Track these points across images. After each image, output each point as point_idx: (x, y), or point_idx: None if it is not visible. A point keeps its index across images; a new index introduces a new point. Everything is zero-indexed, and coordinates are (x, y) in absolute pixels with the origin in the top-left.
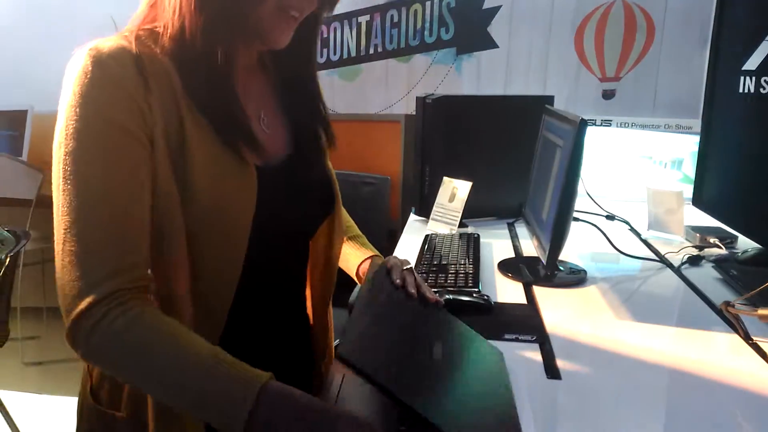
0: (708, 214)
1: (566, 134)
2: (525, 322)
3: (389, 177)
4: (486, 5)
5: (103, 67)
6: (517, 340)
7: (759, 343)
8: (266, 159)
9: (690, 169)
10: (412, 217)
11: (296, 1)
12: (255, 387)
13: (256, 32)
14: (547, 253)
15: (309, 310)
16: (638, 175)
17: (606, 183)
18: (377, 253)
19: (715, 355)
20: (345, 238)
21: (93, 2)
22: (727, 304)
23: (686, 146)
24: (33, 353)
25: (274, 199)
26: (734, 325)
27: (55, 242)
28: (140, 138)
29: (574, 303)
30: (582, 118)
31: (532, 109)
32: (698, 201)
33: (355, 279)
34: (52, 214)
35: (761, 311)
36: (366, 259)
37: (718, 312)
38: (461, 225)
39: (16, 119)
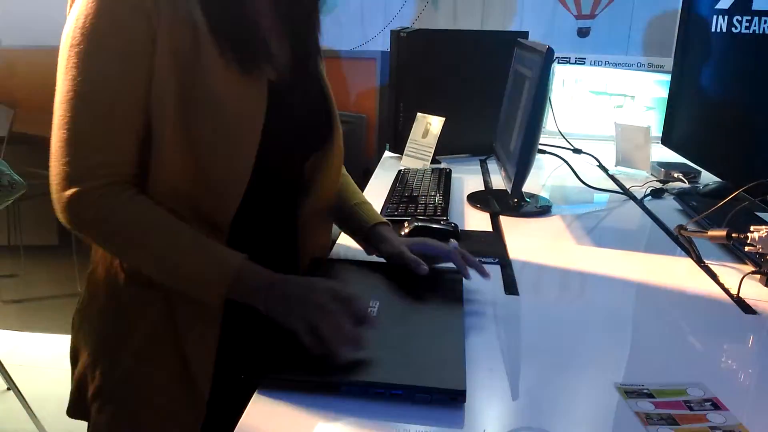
0: (676, 152)
1: (534, 64)
2: (489, 247)
3: (365, 115)
4: None
5: None
6: (479, 262)
7: (710, 265)
8: (276, 73)
9: (647, 103)
10: (387, 153)
11: None
12: (228, 269)
13: None
14: (512, 180)
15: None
16: (609, 113)
17: (577, 121)
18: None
19: (670, 276)
20: (353, 203)
21: None
22: (681, 227)
23: (648, 85)
24: (12, 291)
25: (281, 114)
26: (688, 249)
27: (53, 126)
28: (142, 40)
29: (537, 231)
30: (549, 47)
31: (507, 46)
32: (667, 139)
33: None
34: (25, 151)
35: (711, 232)
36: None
37: (675, 239)
38: (434, 161)
39: None
